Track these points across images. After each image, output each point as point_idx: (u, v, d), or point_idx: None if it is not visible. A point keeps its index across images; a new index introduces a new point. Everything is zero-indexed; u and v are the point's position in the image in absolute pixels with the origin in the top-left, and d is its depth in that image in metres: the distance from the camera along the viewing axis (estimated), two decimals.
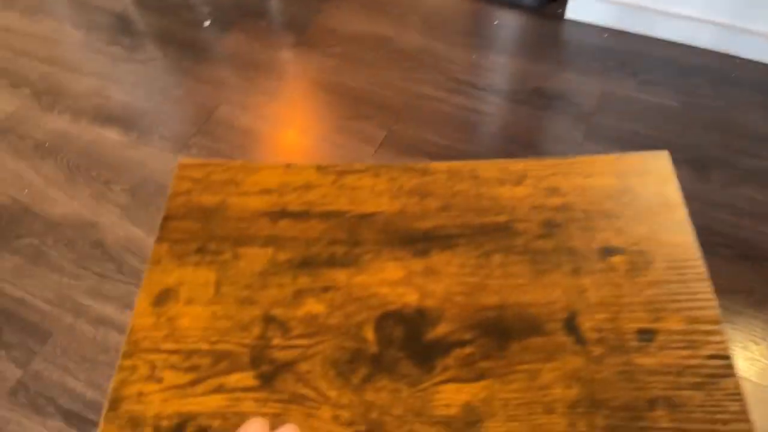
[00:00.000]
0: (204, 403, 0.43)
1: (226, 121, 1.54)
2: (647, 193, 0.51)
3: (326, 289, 0.49)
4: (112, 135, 1.53)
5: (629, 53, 1.64)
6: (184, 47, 1.75)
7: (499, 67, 1.66)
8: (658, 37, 1.66)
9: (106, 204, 1.39)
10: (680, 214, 0.50)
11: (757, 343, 1.14)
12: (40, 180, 1.45)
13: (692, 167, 1.39)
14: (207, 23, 1.80)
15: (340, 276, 0.49)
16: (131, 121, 1.56)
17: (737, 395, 0.41)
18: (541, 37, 1.72)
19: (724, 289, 1.18)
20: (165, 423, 0.42)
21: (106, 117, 1.57)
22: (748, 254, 1.25)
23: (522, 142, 1.47)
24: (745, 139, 1.43)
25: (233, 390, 0.44)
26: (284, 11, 1.85)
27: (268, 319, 0.47)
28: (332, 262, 0.50)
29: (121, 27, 1.83)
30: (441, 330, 0.46)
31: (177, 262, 0.50)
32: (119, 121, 1.56)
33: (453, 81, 1.60)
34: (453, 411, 0.42)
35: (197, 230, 0.52)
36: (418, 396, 0.43)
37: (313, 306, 0.48)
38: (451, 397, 0.43)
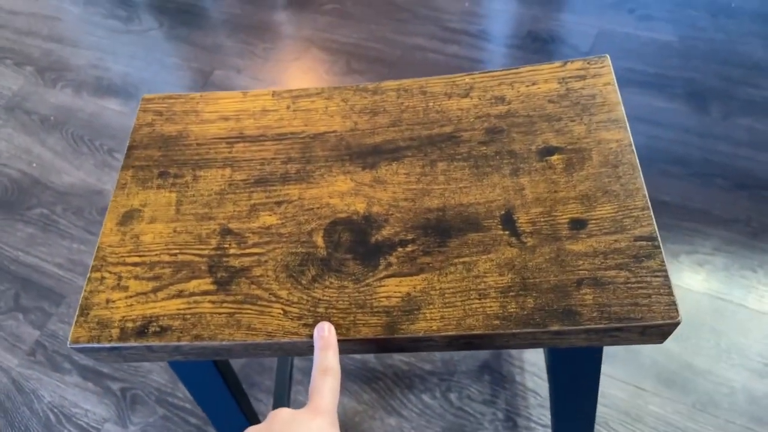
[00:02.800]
0: (165, 307, 0.47)
1: (222, 84, 1.56)
2: (587, 95, 0.53)
3: (279, 203, 0.51)
4: (113, 105, 1.57)
5: None
6: (179, 16, 1.77)
7: (493, 14, 1.64)
8: None
9: (110, 172, 1.44)
10: (617, 113, 0.51)
11: (754, 271, 1.14)
12: (47, 152, 1.50)
13: (691, 101, 1.37)
14: None
15: (293, 191, 0.52)
16: (131, 91, 1.60)
17: (660, 272, 0.43)
18: None
19: (721, 218, 1.18)
20: (130, 324, 0.46)
21: (107, 88, 1.61)
22: (745, 183, 1.24)
23: None
24: (744, 70, 1.41)
25: (192, 294, 0.47)
26: None
27: (225, 232, 0.50)
28: (286, 179, 0.53)
29: (118, 0, 1.86)
30: (385, 233, 0.48)
31: (140, 186, 0.53)
32: (119, 92, 1.60)
33: (446, 30, 1.60)
34: (393, 302, 0.45)
35: (159, 157, 0.55)
36: (362, 291, 0.46)
37: (267, 218, 0.51)
38: (392, 289, 0.46)
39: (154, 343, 0.45)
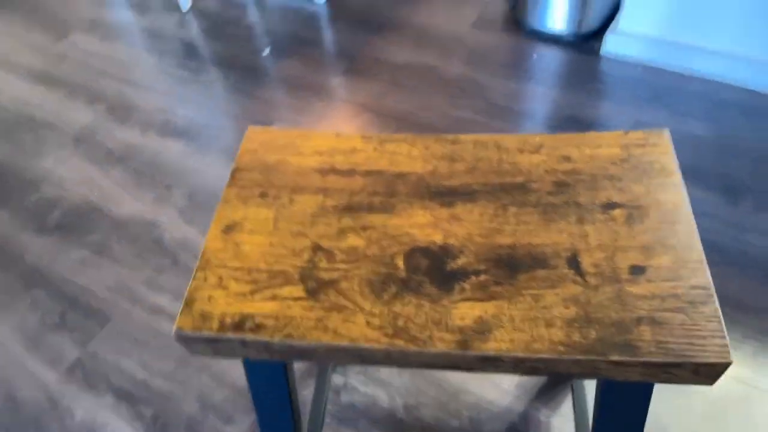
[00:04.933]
0: (261, 308, 0.52)
1: None
2: (646, 161, 0.59)
3: (365, 228, 0.58)
4: (176, 146, 1.68)
5: (663, 87, 1.71)
6: (244, 72, 1.91)
7: (537, 96, 1.75)
8: (692, 73, 1.73)
9: (167, 206, 1.53)
10: (675, 179, 0.57)
11: None
12: (109, 183, 1.60)
13: (723, 193, 1.43)
14: (266, 52, 1.97)
15: (377, 219, 0.58)
16: (193, 135, 1.71)
17: (714, 317, 0.47)
18: (578, 70, 1.81)
19: (752, 307, 1.21)
20: (229, 320, 0.52)
21: (171, 130, 1.73)
22: None
23: None
24: None
25: (285, 299, 0.53)
26: (336, 42, 2.00)
27: (316, 248, 0.56)
28: (371, 209, 0.59)
29: (189, 53, 2.01)
30: (460, 262, 0.54)
31: (243, 203, 0.60)
32: (182, 134, 1.71)
33: (492, 106, 1.70)
34: (467, 322, 0.50)
35: (260, 180, 0.62)
36: (437, 310, 0.51)
37: (354, 240, 0.57)
38: (466, 312, 0.51)
39: (249, 337, 0.50)
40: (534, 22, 1.88)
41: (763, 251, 1.31)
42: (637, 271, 0.51)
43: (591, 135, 0.62)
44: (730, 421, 1.04)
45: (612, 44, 1.78)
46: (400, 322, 0.51)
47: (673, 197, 0.56)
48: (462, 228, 0.57)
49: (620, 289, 0.50)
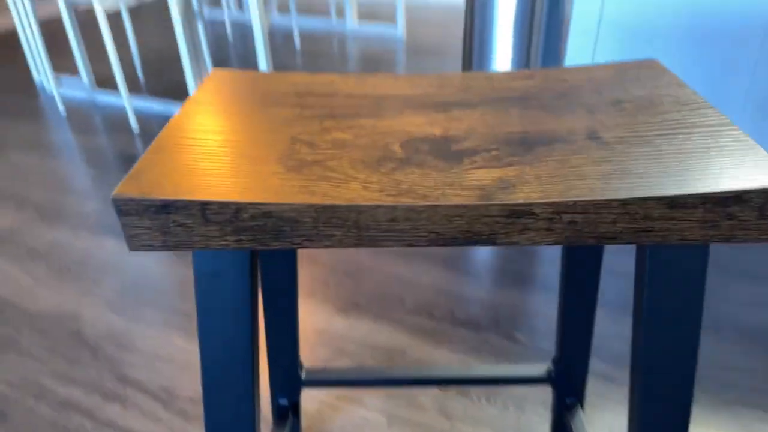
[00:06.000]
0: (226, 180, 0.42)
1: None
2: (645, 75, 0.56)
3: (351, 127, 0.50)
4: (110, 243, 1.55)
5: None
6: None
7: None
8: None
9: (92, 298, 1.35)
10: (678, 80, 0.54)
11: None
12: (28, 280, 1.42)
13: None
14: None
15: (366, 122, 0.51)
16: None
17: (758, 148, 0.41)
18: None
19: None
20: (186, 187, 0.41)
21: (106, 228, 1.61)
22: None
23: None
24: None
25: (259, 174, 0.43)
26: None
27: (295, 140, 0.48)
28: (357, 115, 0.52)
29: (130, 165, 1.96)
30: (467, 144, 0.47)
31: (205, 113, 0.52)
32: (119, 232, 1.59)
33: None
34: (486, 182, 0.41)
35: (227, 100, 0.55)
36: (448, 176, 0.42)
37: (339, 135, 0.49)
38: (483, 175, 0.42)
39: (212, 204, 0.39)
40: None
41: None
42: (667, 134, 0.45)
43: (582, 67, 0.60)
44: None
45: None
46: (405, 186, 0.41)
47: (682, 90, 0.52)
48: (463, 124, 0.50)
49: (654, 148, 0.44)
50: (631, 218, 0.39)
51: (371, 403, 1.06)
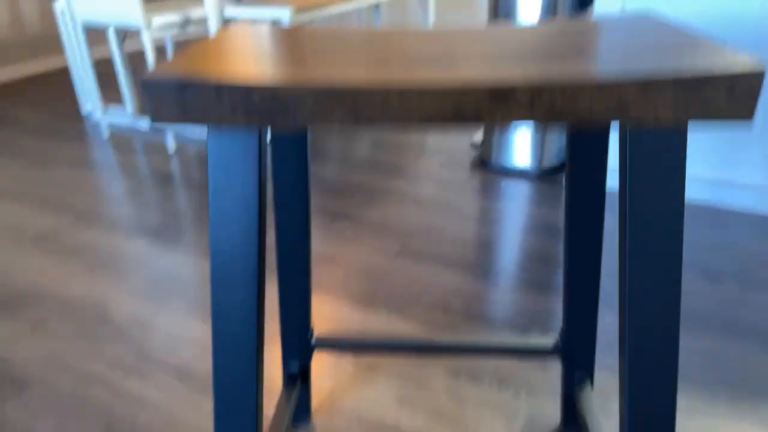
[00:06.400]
0: (242, 68, 0.47)
1: None
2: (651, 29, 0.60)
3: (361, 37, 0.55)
4: (140, 242, 1.61)
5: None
6: None
7: (509, 209, 1.79)
8: None
9: (121, 287, 1.40)
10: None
11: None
12: (62, 270, 1.49)
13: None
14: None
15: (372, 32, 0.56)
16: (161, 233, 1.66)
17: (727, 45, 0.44)
18: (547, 193, 1.89)
19: None
20: (202, 73, 0.46)
21: (140, 230, 1.68)
22: None
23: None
24: None
25: (274, 65, 0.48)
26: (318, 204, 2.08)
27: (308, 50, 0.53)
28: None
29: (166, 181, 2.05)
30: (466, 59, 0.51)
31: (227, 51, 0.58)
32: (150, 234, 1.66)
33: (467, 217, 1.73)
34: (471, 75, 0.45)
35: (248, 45, 0.61)
36: (445, 73, 0.46)
37: (346, 48, 0.54)
38: (474, 73, 0.46)
39: (226, 83, 0.44)
40: (499, 161, 2.02)
41: None
42: (651, 44, 0.49)
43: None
44: None
45: None
46: (398, 76, 0.45)
47: (681, 29, 0.56)
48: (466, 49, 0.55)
49: (634, 44, 0.47)
50: (607, 101, 0.42)
51: (382, 385, 1.07)
